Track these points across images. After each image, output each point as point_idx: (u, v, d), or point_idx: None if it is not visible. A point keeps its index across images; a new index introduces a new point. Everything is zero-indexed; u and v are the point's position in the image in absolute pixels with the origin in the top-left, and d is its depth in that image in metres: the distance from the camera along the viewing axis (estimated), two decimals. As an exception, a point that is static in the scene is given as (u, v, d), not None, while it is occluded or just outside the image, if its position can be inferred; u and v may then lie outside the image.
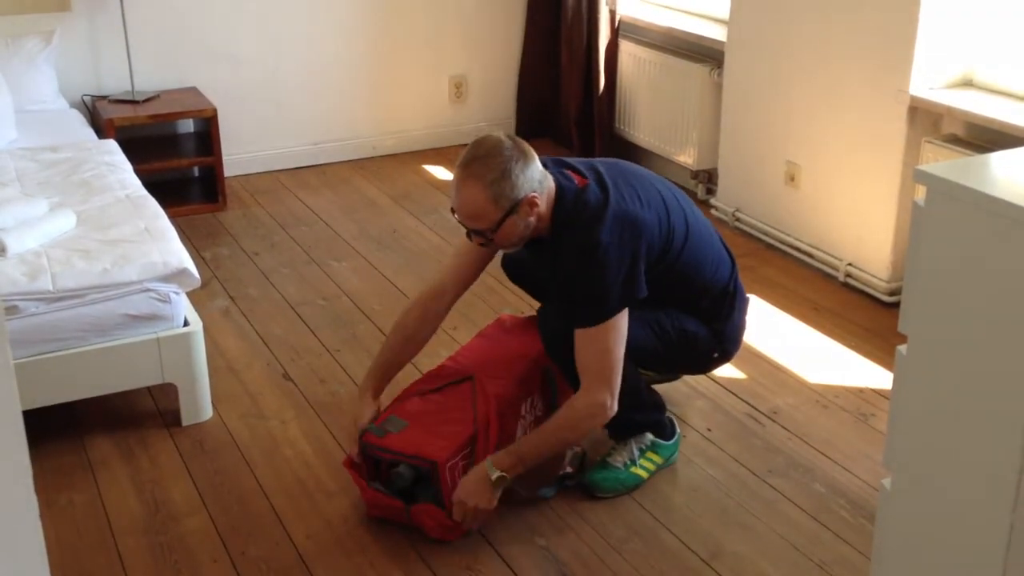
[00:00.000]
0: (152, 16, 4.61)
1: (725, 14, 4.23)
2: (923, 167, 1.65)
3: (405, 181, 4.93)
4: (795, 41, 3.83)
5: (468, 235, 2.52)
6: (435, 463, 2.45)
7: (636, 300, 2.46)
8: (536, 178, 2.40)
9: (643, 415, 2.73)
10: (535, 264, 2.68)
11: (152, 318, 2.85)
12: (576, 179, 2.50)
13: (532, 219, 2.42)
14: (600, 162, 2.62)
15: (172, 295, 2.87)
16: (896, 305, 3.59)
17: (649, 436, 2.75)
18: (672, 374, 3.07)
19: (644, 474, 2.71)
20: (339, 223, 4.45)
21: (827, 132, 3.76)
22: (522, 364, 2.72)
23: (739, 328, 2.80)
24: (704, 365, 2.89)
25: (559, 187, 2.47)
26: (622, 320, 2.43)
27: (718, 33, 4.29)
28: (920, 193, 1.73)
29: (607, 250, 2.39)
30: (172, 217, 3.30)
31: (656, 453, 2.75)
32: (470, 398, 2.61)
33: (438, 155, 5.25)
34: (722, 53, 4.21)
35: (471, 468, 2.49)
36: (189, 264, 2.90)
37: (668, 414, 2.83)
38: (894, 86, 3.44)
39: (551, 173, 2.48)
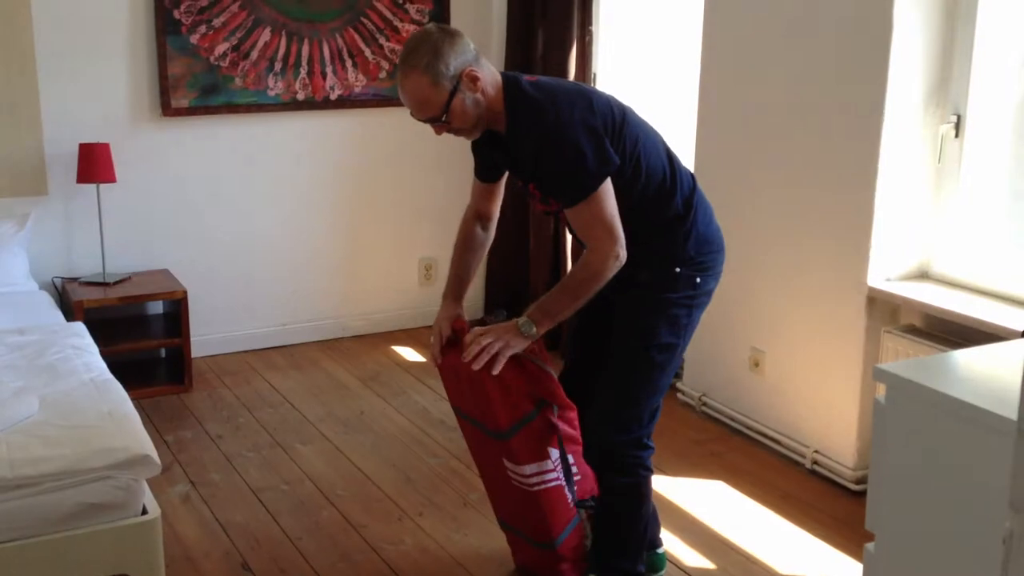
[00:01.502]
0: (128, 201, 4.69)
1: (688, 204, 4.36)
2: (883, 366, 1.68)
3: (374, 362, 4.94)
4: (756, 229, 3.94)
5: (434, 128, 2.61)
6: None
7: (612, 168, 2.52)
8: (469, 54, 2.52)
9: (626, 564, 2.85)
10: (507, 163, 2.72)
11: (111, 507, 2.78)
12: (521, 78, 2.62)
13: (479, 96, 2.53)
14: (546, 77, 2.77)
15: (132, 483, 2.82)
16: (863, 494, 3.58)
17: None
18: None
19: None
20: (306, 405, 4.43)
21: (789, 319, 3.83)
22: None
23: (716, 230, 2.78)
24: (697, 298, 2.78)
25: (504, 77, 2.59)
26: (606, 186, 2.51)
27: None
28: (881, 391, 1.76)
29: (567, 128, 2.49)
30: (137, 399, 3.28)
31: None
32: None
33: (407, 336, 5.29)
34: (685, 241, 4.32)
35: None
36: (151, 450, 2.86)
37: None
38: (853, 277, 3.53)
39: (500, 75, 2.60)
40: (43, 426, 2.93)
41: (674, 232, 2.68)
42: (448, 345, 2.78)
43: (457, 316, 2.82)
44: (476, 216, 2.93)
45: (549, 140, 2.52)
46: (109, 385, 3.27)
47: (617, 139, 2.57)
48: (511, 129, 2.60)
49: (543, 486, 2.74)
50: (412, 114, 2.58)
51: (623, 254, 2.54)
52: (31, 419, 2.97)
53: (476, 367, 2.56)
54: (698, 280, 2.71)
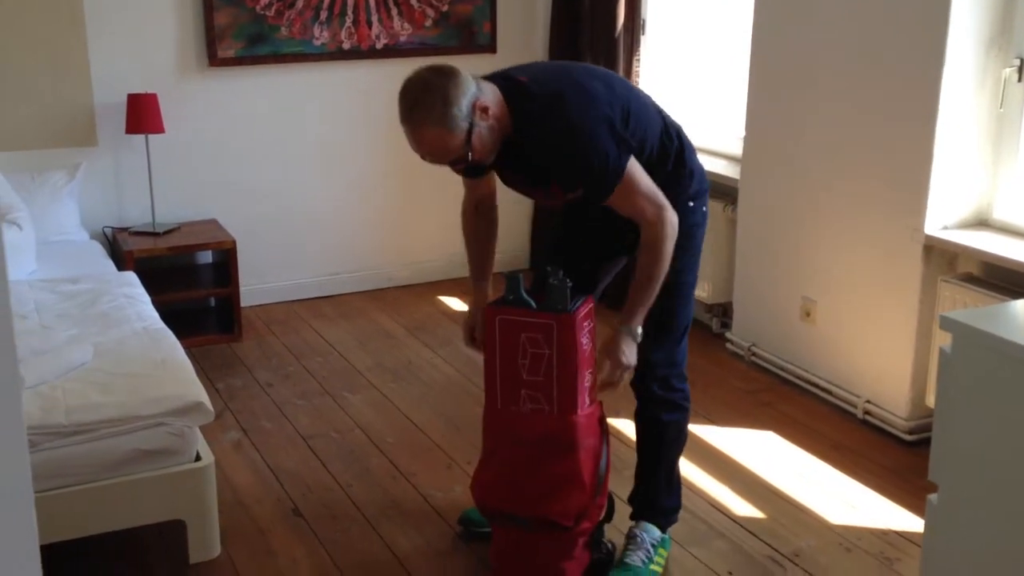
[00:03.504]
0: (176, 152, 4.71)
1: (739, 152, 4.30)
2: (949, 314, 1.64)
3: (420, 312, 4.94)
4: (809, 179, 3.87)
5: (455, 170, 2.59)
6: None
7: (632, 148, 2.50)
8: (472, 87, 2.43)
9: (672, 502, 2.94)
10: (523, 172, 2.66)
11: (165, 453, 2.82)
12: (517, 79, 2.56)
13: (492, 122, 2.46)
14: (531, 64, 2.79)
15: (186, 429, 2.85)
16: (917, 444, 3.55)
17: (656, 531, 2.89)
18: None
19: (659, 570, 2.85)
20: (354, 354, 4.44)
21: (842, 268, 3.77)
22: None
23: (698, 160, 2.83)
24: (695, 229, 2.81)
25: (501, 86, 2.51)
26: (634, 167, 2.49)
27: (732, 171, 4.34)
28: (945, 339, 1.72)
29: (583, 124, 2.45)
30: (188, 348, 3.30)
31: (663, 547, 2.90)
32: None
33: (454, 286, 5.28)
34: (736, 190, 4.26)
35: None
36: (204, 398, 2.88)
37: None
38: (909, 225, 3.46)
39: (492, 81, 2.53)
40: (97, 373, 2.96)
41: (680, 178, 2.71)
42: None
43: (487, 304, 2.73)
44: (476, 207, 2.90)
45: (569, 142, 2.47)
46: (161, 334, 3.30)
47: (624, 120, 2.55)
48: (523, 136, 2.52)
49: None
50: (430, 161, 2.49)
51: (673, 216, 2.54)
52: (85, 366, 3.01)
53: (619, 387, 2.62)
54: (704, 209, 2.80)
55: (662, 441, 2.89)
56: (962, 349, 1.62)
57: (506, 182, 2.75)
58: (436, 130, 2.39)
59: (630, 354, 2.60)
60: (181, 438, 2.84)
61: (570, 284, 2.54)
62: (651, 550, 2.84)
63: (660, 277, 2.57)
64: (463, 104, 2.38)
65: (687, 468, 3.29)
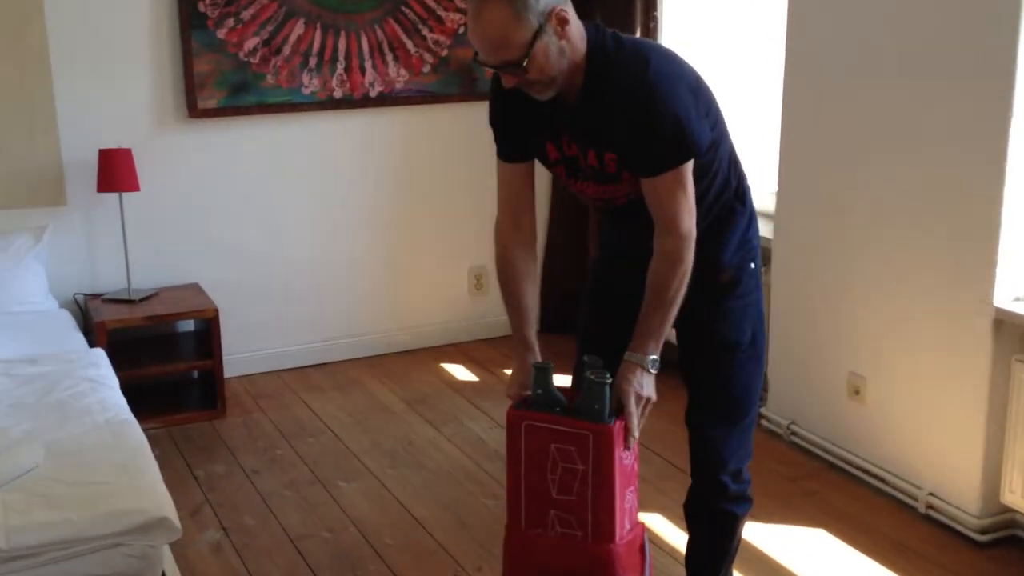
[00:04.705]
0: (152, 211, 4.31)
1: (771, 207, 3.91)
2: None
3: (421, 382, 4.53)
4: (852, 236, 3.48)
5: (495, 77, 2.20)
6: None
7: (706, 141, 2.19)
8: None
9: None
10: (580, 138, 2.23)
11: (123, 579, 2.40)
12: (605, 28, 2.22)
13: (564, 44, 2.09)
14: None
15: (148, 550, 2.42)
16: (990, 546, 3.12)
17: None
18: None
19: None
20: (348, 433, 4.02)
21: (895, 341, 3.36)
22: None
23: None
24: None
25: (590, 28, 2.16)
26: (690, 169, 2.17)
27: (764, 229, 3.94)
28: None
29: (671, 86, 2.12)
30: (166, 427, 2.90)
31: None
32: None
33: (457, 352, 4.87)
34: (768, 250, 3.87)
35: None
36: (169, 511, 2.47)
37: None
38: (975, 295, 3.06)
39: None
40: (47, 483, 2.55)
41: (738, 220, 2.38)
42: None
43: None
44: (515, 225, 2.35)
45: (650, 97, 2.10)
46: (126, 428, 2.89)
47: (706, 114, 2.21)
48: (594, 86, 2.14)
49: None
50: (481, 58, 2.12)
51: (691, 231, 2.19)
52: (34, 472, 2.59)
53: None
54: (761, 271, 2.47)
55: (730, 535, 2.54)
56: None
57: (553, 162, 2.30)
58: (503, 10, 2.02)
59: (647, 387, 2.19)
60: (143, 560, 2.42)
61: (609, 380, 2.13)
62: None
63: (679, 300, 2.20)
64: (542, 1, 2.04)
65: None
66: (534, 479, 2.17)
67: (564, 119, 2.21)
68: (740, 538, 2.59)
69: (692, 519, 2.55)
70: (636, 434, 2.16)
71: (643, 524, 2.31)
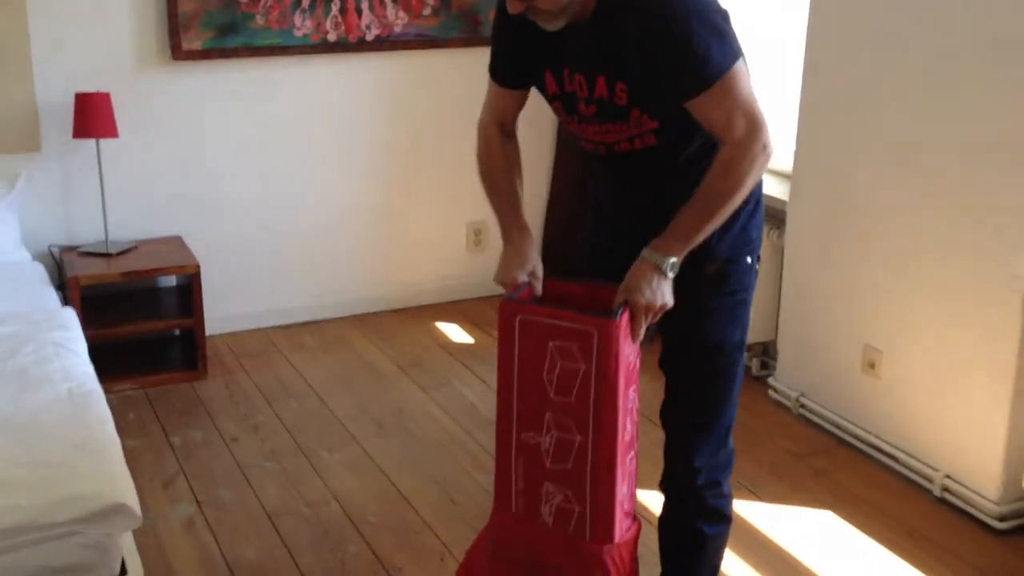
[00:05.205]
0: (132, 159, 4.09)
1: (788, 167, 3.67)
2: None
3: (414, 344, 4.33)
4: (874, 202, 3.25)
5: (500, 6, 2.02)
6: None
7: (740, 54, 1.94)
8: None
9: None
10: (589, 67, 2.01)
11: (78, 570, 2.22)
12: None
13: None
14: None
15: (105, 539, 2.24)
16: (1010, 534, 2.94)
17: None
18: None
19: None
20: (335, 398, 3.84)
21: (916, 314, 3.15)
22: None
23: None
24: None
25: None
26: (741, 65, 1.93)
27: (779, 190, 3.72)
28: None
29: (689, 9, 1.89)
30: (143, 388, 2.70)
31: None
32: None
33: (453, 310, 4.67)
34: (783, 212, 3.64)
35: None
36: (130, 498, 2.27)
37: None
38: (1003, 267, 2.84)
39: None
40: (-3, 462, 2.35)
41: (741, 204, 2.05)
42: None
43: (532, 272, 2.08)
44: (500, 124, 2.22)
45: (675, 17, 1.88)
46: (89, 400, 2.69)
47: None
48: (609, 7, 1.93)
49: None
50: None
51: (770, 140, 1.94)
52: (-16, 451, 2.40)
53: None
54: (757, 267, 2.21)
55: (702, 558, 2.30)
56: None
57: (551, 96, 2.10)
58: None
59: (661, 292, 1.97)
60: (99, 551, 2.24)
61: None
62: None
63: (727, 210, 1.97)
64: None
65: (727, 557, 2.69)
66: (528, 380, 1.97)
67: (571, 47, 2.00)
68: (718, 567, 2.36)
69: (664, 538, 2.34)
70: (640, 336, 1.97)
71: (640, 522, 2.13)
